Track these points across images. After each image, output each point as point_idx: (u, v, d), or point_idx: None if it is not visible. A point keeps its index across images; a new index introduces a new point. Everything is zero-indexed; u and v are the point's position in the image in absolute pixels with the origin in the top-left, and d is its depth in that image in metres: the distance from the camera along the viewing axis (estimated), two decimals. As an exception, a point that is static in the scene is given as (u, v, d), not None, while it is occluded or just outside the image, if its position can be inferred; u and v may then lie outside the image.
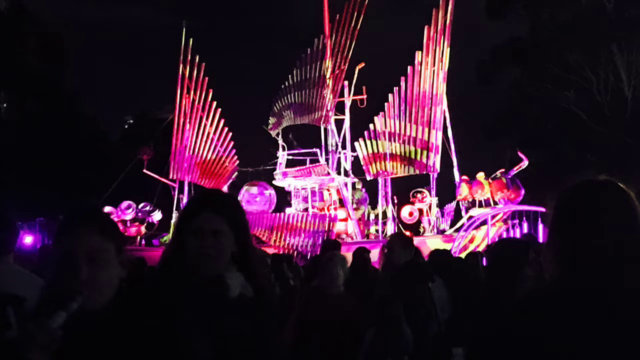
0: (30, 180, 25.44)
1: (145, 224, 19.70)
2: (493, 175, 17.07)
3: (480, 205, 17.03)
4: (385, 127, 18.17)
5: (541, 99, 25.53)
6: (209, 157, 20.03)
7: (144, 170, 19.99)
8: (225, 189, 19.12)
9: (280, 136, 20.54)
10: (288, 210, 19.53)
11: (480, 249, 13.96)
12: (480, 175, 17.09)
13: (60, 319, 1.67)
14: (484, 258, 6.53)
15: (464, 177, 17.54)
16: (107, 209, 17.62)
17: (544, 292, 1.81)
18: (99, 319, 1.83)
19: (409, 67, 17.86)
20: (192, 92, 19.79)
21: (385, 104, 18.26)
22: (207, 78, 19.84)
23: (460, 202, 17.75)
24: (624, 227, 1.75)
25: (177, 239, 2.29)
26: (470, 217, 16.46)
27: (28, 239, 14.64)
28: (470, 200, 17.33)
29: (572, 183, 1.88)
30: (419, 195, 18.71)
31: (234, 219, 2.30)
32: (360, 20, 18.32)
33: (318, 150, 19.53)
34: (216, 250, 2.22)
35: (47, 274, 1.96)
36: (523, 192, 16.79)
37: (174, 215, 17.99)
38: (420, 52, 17.73)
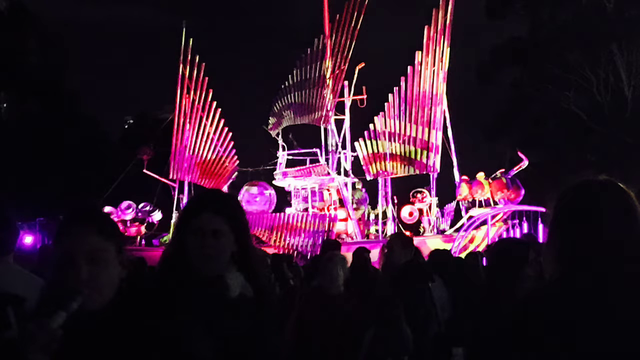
0: (30, 180, 25.44)
1: (145, 224, 19.68)
2: (493, 175, 17.07)
3: (480, 205, 17.02)
4: (385, 127, 18.16)
5: (541, 99, 25.53)
6: (209, 157, 20.02)
7: (144, 170, 19.98)
8: (225, 189, 19.12)
9: (280, 136, 20.54)
10: (288, 210, 19.52)
11: (480, 249, 13.95)
12: (480, 175, 17.09)
13: (60, 319, 1.67)
14: (484, 258, 6.53)
15: (464, 177, 17.53)
16: (107, 209, 17.62)
17: (544, 292, 1.81)
18: (99, 319, 1.83)
19: (409, 67, 17.85)
20: (192, 92, 19.78)
21: (385, 104, 18.25)
22: (207, 78, 19.85)
23: (460, 202, 17.74)
24: (624, 227, 1.76)
25: (177, 239, 2.29)
26: (470, 217, 16.46)
27: (28, 239, 14.65)
28: (470, 200, 17.33)
29: (572, 183, 1.88)
30: (419, 195, 18.71)
31: (234, 219, 2.29)
32: (360, 20, 18.33)
33: (318, 150, 19.52)
34: (216, 250, 2.22)
35: (47, 274, 1.96)
36: (523, 192, 16.79)
37: (174, 215, 17.97)
38: (420, 52, 17.72)
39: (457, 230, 16.80)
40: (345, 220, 18.71)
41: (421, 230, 18.43)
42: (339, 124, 19.57)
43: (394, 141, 18.04)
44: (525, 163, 17.07)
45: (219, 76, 34.33)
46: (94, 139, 31.15)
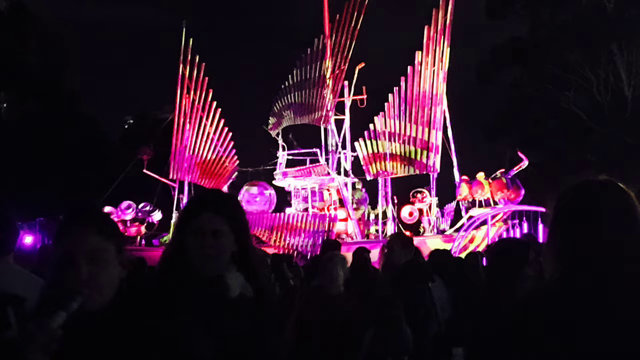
0: (30, 180, 25.44)
1: (145, 224, 19.68)
2: (493, 175, 17.07)
3: (480, 205, 17.02)
4: (385, 127, 18.16)
5: (541, 99, 25.53)
6: (209, 157, 20.02)
7: (144, 170, 19.97)
8: (225, 189, 19.12)
9: (280, 136, 20.54)
10: (288, 210, 19.52)
11: (480, 249, 13.95)
12: (480, 175, 17.09)
13: (60, 319, 1.67)
14: (484, 258, 6.53)
15: (464, 177, 17.53)
16: (107, 209, 17.62)
17: (544, 292, 1.81)
18: (99, 319, 1.83)
19: (409, 67, 17.85)
20: (192, 92, 19.78)
21: (385, 104, 18.24)
22: (207, 78, 19.85)
23: (460, 202, 17.74)
24: (624, 227, 1.76)
25: (177, 239, 2.29)
26: (470, 217, 16.46)
27: (28, 239, 14.64)
28: (470, 200, 17.33)
29: (572, 183, 1.88)
30: (419, 195, 18.70)
31: (234, 219, 2.29)
32: (360, 20, 18.33)
33: (318, 150, 19.52)
34: (216, 250, 2.22)
35: (47, 274, 1.96)
36: (523, 192, 16.78)
37: (174, 215, 17.97)
38: (420, 52, 17.72)
39: (457, 230, 16.80)
40: (345, 220, 18.70)
41: (421, 230, 18.42)
42: (339, 124, 19.58)
43: (394, 141, 18.04)
44: (525, 163, 17.06)
45: (219, 76, 34.34)
46: (94, 139, 31.15)
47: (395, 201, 18.76)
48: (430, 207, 18.40)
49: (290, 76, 20.22)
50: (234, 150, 20.24)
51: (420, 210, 18.69)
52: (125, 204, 19.25)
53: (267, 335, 2.22)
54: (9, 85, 28.70)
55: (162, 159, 20.40)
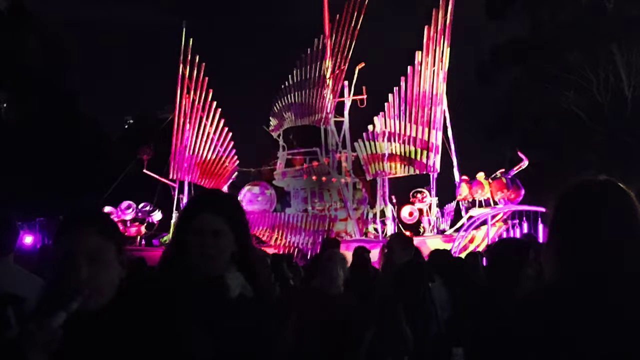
0: (30, 180, 25.44)
1: (145, 224, 19.68)
2: (493, 175, 17.07)
3: (480, 205, 17.02)
4: (385, 127, 18.15)
5: (541, 99, 25.53)
6: (209, 157, 20.01)
7: (144, 170, 19.97)
8: (225, 189, 19.12)
9: (281, 137, 20.56)
10: (288, 211, 19.53)
11: (480, 249, 13.95)
12: (480, 175, 17.09)
13: (60, 319, 1.67)
14: (484, 258, 6.52)
15: (464, 177, 17.54)
16: (107, 209, 17.62)
17: (544, 292, 1.81)
18: (99, 319, 1.83)
19: (409, 67, 17.84)
20: (192, 92, 19.77)
21: (385, 104, 18.24)
22: (207, 78, 19.84)
23: (460, 202, 17.74)
24: (624, 226, 1.75)
25: (177, 239, 2.29)
26: (470, 217, 16.46)
27: (28, 239, 14.64)
28: (470, 200, 17.33)
29: (572, 183, 1.88)
30: (419, 195, 18.70)
31: (234, 219, 2.30)
32: (360, 20, 18.33)
33: (318, 150, 19.52)
34: (216, 250, 2.22)
35: (47, 274, 1.96)
36: (523, 192, 16.79)
37: (174, 215, 17.97)
38: (420, 52, 17.71)
39: (457, 230, 16.80)
40: (345, 220, 18.71)
41: (421, 230, 18.42)
42: (339, 123, 19.58)
43: (394, 141, 18.03)
44: (525, 163, 17.06)
45: (219, 76, 34.31)
46: (94, 139, 31.15)
47: (394, 201, 18.77)
48: (430, 207, 18.40)
49: (290, 76, 20.21)
50: (234, 150, 20.25)
51: (420, 210, 18.69)
52: (125, 204, 19.25)
53: (267, 335, 2.22)
54: (9, 85, 28.68)
55: (162, 159, 20.39)
